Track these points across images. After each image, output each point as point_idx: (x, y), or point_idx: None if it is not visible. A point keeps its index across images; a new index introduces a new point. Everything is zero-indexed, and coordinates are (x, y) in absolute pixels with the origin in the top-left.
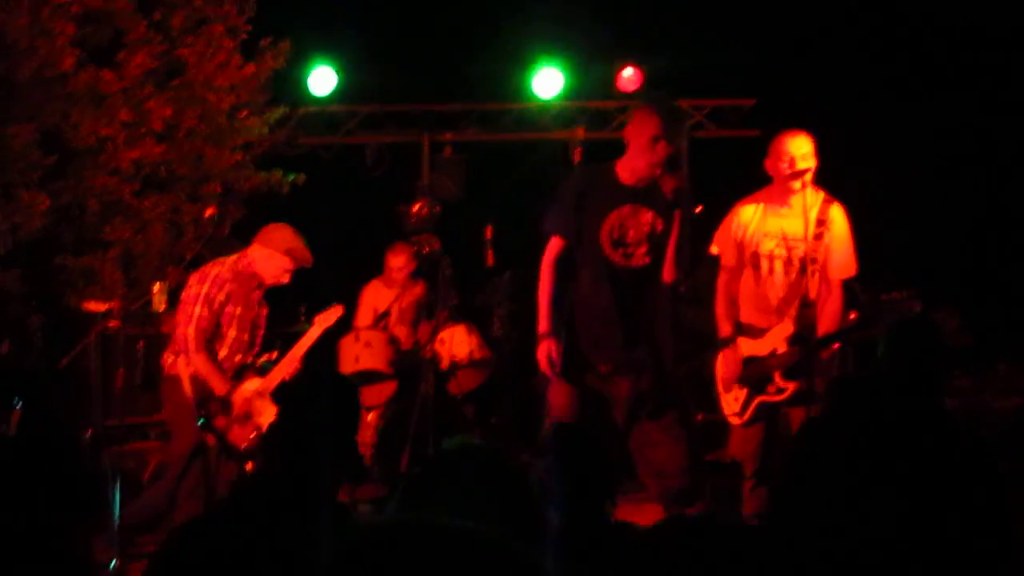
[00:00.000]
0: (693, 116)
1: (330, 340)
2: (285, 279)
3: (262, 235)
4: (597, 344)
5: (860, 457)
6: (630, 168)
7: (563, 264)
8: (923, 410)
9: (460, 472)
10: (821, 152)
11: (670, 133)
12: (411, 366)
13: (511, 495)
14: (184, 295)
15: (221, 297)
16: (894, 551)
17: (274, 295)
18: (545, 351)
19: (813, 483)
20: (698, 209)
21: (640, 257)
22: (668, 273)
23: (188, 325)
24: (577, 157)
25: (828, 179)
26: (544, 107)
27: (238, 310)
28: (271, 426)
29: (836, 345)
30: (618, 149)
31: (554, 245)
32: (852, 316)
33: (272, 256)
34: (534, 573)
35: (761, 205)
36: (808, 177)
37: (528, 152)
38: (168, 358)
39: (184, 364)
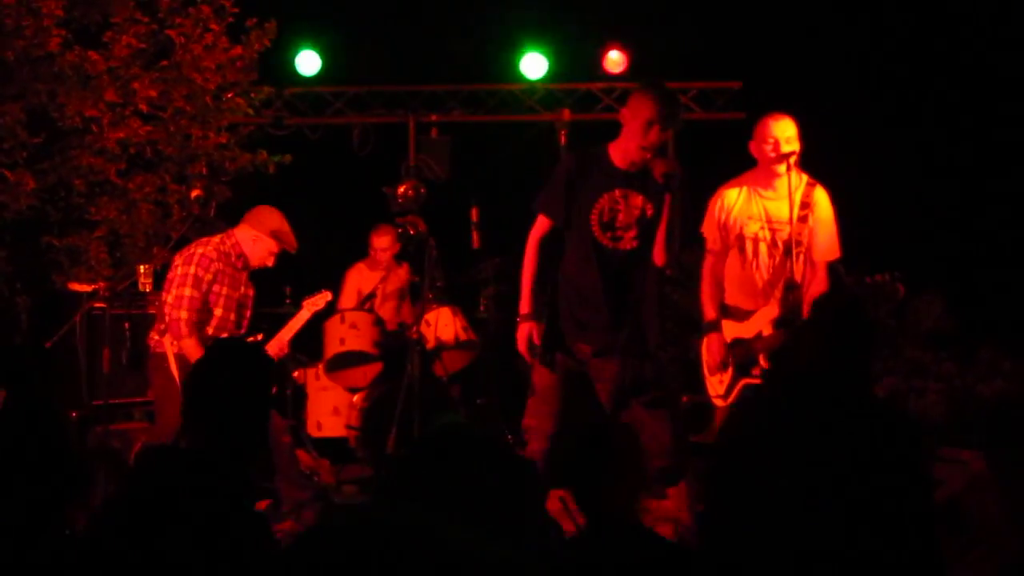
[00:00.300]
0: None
1: (315, 322)
2: (270, 262)
3: (250, 216)
4: (582, 326)
5: (780, 447)
6: (622, 151)
7: (547, 244)
8: (851, 399)
9: (448, 455)
10: (807, 135)
11: (665, 119)
12: (397, 348)
13: (501, 481)
14: (170, 275)
15: (208, 277)
16: (815, 546)
17: (259, 276)
18: (525, 333)
19: (733, 477)
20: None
21: (629, 240)
22: (658, 257)
23: (179, 308)
24: (563, 139)
25: (814, 162)
26: (530, 88)
27: (224, 290)
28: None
29: None
30: (604, 131)
31: (541, 224)
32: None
33: (259, 238)
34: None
35: (745, 188)
36: (792, 160)
37: (514, 134)
38: (154, 336)
39: (170, 342)
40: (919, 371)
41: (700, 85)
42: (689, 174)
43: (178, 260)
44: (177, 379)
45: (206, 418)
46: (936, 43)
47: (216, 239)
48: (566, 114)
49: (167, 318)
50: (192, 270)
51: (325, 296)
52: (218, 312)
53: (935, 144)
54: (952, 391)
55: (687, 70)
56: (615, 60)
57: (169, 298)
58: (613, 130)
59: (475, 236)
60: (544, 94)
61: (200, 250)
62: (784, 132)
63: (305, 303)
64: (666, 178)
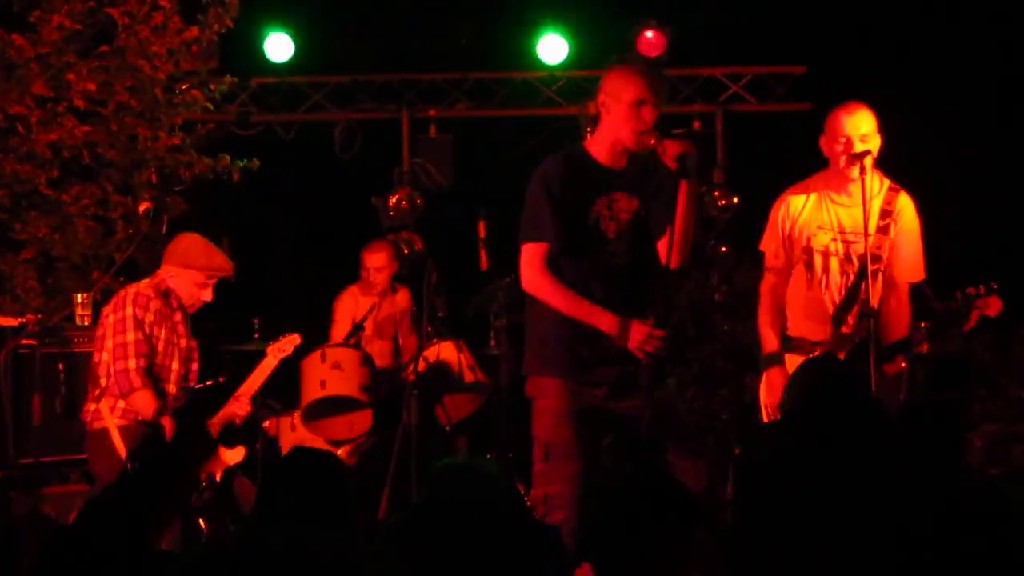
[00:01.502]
0: (729, 87)
1: (291, 359)
2: (207, 296)
3: (166, 251)
4: (586, 364)
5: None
6: (608, 145)
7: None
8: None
9: (455, 521)
10: (888, 130)
11: (656, 92)
12: (390, 391)
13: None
14: (99, 331)
15: (149, 318)
16: None
17: (222, 308)
18: (645, 333)
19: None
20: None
21: (626, 252)
22: (673, 257)
23: (123, 358)
24: (588, 137)
25: (898, 163)
26: (548, 77)
27: (164, 334)
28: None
29: (902, 360)
30: None
31: (534, 252)
32: (923, 326)
33: (179, 273)
34: None
35: (814, 194)
36: (868, 161)
37: (529, 131)
38: (89, 408)
39: (109, 412)
40: None
41: (755, 70)
42: (741, 177)
43: (107, 309)
44: (123, 455)
45: None
46: None
47: (146, 280)
48: (592, 107)
49: (108, 376)
50: (129, 311)
51: (292, 340)
52: (158, 360)
53: None
54: None
55: (738, 53)
56: (651, 42)
57: (105, 355)
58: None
59: (483, 255)
60: (565, 83)
61: (133, 289)
62: (859, 128)
63: (270, 349)
64: (681, 161)
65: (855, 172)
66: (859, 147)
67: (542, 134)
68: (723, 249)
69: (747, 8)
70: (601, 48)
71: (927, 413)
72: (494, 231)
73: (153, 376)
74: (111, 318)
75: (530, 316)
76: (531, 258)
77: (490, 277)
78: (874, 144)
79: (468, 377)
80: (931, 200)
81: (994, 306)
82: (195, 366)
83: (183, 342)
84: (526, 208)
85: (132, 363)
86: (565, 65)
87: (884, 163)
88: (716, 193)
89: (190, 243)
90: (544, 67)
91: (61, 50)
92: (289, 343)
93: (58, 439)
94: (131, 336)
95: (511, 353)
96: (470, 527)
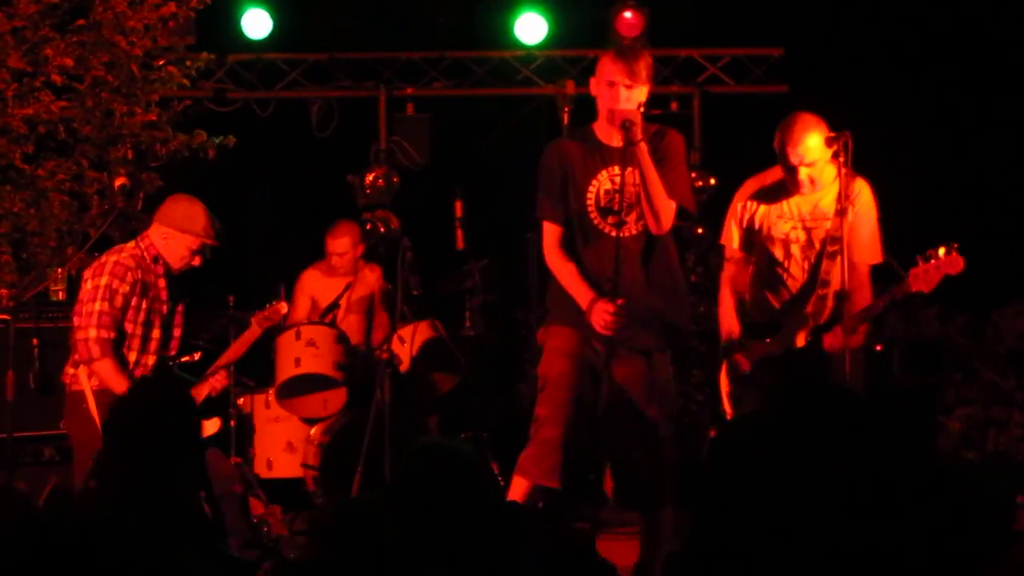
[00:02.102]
0: (707, 68)
1: (265, 337)
2: (195, 261)
3: (159, 211)
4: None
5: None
6: (605, 126)
7: (568, 245)
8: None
9: (427, 501)
10: (860, 112)
11: (629, 74)
12: (364, 370)
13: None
14: (80, 294)
15: (125, 289)
16: None
17: (197, 284)
18: (601, 311)
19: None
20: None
21: (634, 224)
22: (650, 222)
23: (87, 327)
24: (566, 117)
25: (872, 148)
26: (526, 56)
27: (145, 303)
28: None
29: (863, 332)
30: None
31: (550, 232)
32: (881, 304)
33: (170, 235)
34: None
35: (772, 184)
36: (811, 174)
37: (506, 110)
38: (68, 370)
39: (87, 377)
40: (1001, 399)
41: (733, 52)
42: (718, 160)
43: (87, 274)
44: (97, 421)
45: (120, 469)
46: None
47: (130, 245)
48: (570, 87)
49: (75, 342)
50: (104, 281)
51: (279, 309)
52: (139, 331)
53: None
54: None
55: (717, 34)
56: (629, 22)
57: (79, 320)
58: None
59: (459, 235)
60: (543, 63)
61: (113, 258)
62: (804, 157)
63: (255, 318)
64: (624, 128)
65: (804, 191)
66: (803, 174)
67: (520, 113)
68: (699, 231)
69: None
70: (579, 28)
71: (900, 398)
72: (471, 210)
73: (119, 351)
74: (89, 284)
75: (551, 277)
76: (544, 237)
77: (466, 257)
78: (821, 160)
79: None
80: (908, 183)
81: (955, 264)
82: (178, 332)
83: (165, 308)
84: (539, 188)
85: (92, 333)
86: (543, 45)
87: (859, 144)
88: (693, 175)
89: (188, 206)
90: (522, 46)
91: (37, 24)
92: (275, 312)
93: (32, 415)
94: (98, 306)
95: (486, 333)
96: (443, 507)
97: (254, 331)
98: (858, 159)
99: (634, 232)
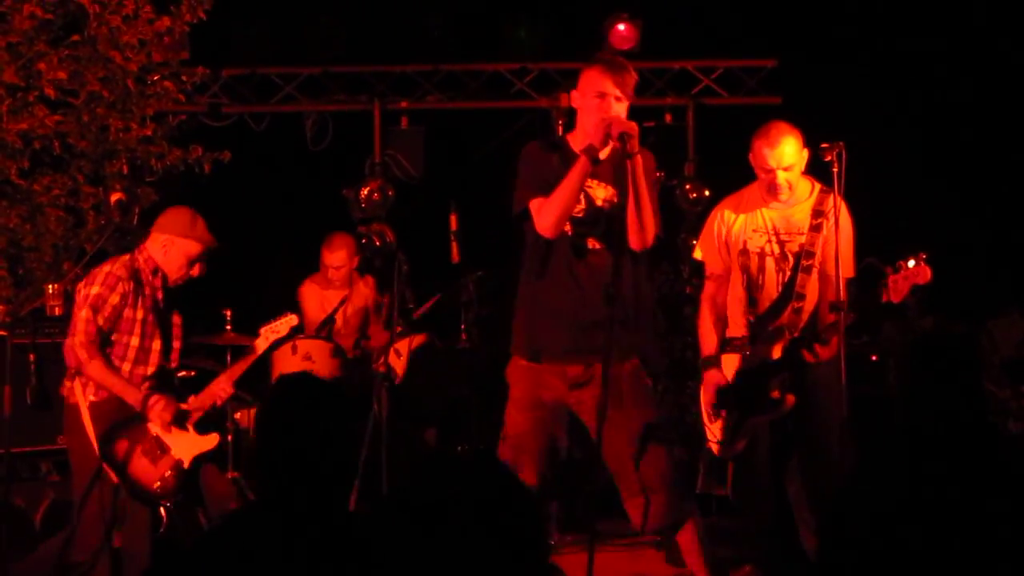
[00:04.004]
0: (700, 80)
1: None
2: (195, 271)
3: (158, 221)
4: (561, 347)
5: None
6: (582, 138)
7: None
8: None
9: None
10: (853, 122)
11: (618, 86)
12: (360, 383)
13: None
14: (74, 306)
15: (115, 299)
16: None
17: (192, 299)
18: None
19: None
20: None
21: (598, 238)
22: (633, 239)
23: (73, 335)
24: (560, 129)
25: (860, 152)
26: (520, 69)
27: (139, 313)
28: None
29: (832, 347)
30: None
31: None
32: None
33: (170, 242)
34: None
35: (747, 202)
36: (789, 179)
37: (501, 123)
38: (66, 384)
39: (82, 390)
40: (996, 408)
41: (726, 63)
42: (713, 169)
43: (80, 285)
44: (91, 434)
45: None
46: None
47: (126, 256)
48: (564, 99)
49: (65, 353)
50: (93, 290)
51: (289, 321)
52: (135, 342)
53: (1014, 140)
54: None
55: (711, 46)
56: (623, 34)
57: (69, 329)
58: None
59: (454, 247)
60: (538, 75)
61: (106, 268)
62: (781, 161)
63: (263, 331)
64: (622, 140)
65: (783, 196)
66: (781, 179)
67: (514, 126)
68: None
69: (718, 1)
70: (572, 42)
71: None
72: (466, 223)
73: (104, 352)
74: (81, 293)
75: (519, 297)
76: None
77: (461, 269)
78: (798, 167)
79: None
80: (901, 193)
81: (923, 274)
82: (177, 343)
83: (162, 316)
84: (518, 181)
85: (79, 339)
86: (536, 57)
87: (852, 152)
88: (687, 186)
89: (186, 214)
90: (516, 59)
91: (32, 39)
92: (284, 324)
93: (29, 430)
94: (84, 313)
95: (482, 347)
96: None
97: (261, 344)
98: (851, 170)
99: (601, 246)
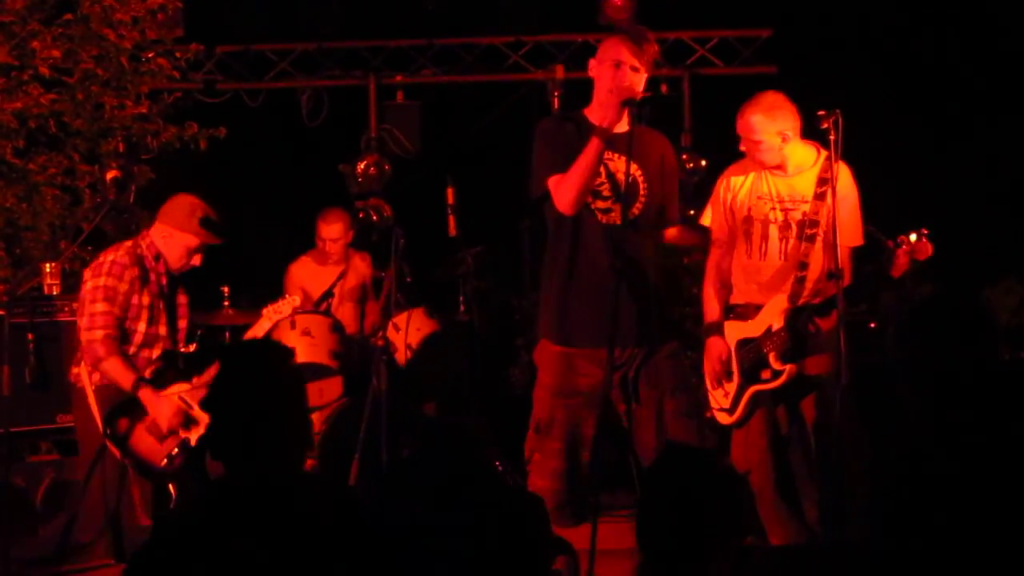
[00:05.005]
0: (696, 50)
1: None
2: (196, 261)
3: (161, 210)
4: (595, 330)
5: None
6: (599, 111)
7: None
8: None
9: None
10: (849, 93)
11: (636, 56)
12: (359, 358)
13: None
14: (81, 293)
15: (124, 287)
16: None
17: (190, 276)
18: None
19: None
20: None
21: (618, 214)
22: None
23: (92, 328)
24: (556, 102)
25: (862, 128)
26: (515, 42)
27: (146, 299)
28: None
29: (832, 317)
30: None
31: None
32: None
33: (170, 235)
34: None
35: (752, 171)
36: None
37: (497, 96)
38: (73, 369)
39: (87, 374)
40: None
41: (722, 33)
42: (707, 141)
43: (87, 274)
44: (97, 416)
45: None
46: None
47: (130, 242)
48: (559, 71)
49: (81, 343)
50: (103, 281)
51: (291, 303)
52: (142, 327)
53: (1011, 109)
54: None
55: (706, 16)
56: (617, 5)
57: (82, 321)
58: None
59: (451, 222)
60: (533, 48)
61: (111, 257)
62: (745, 130)
63: (265, 311)
64: (626, 107)
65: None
66: (767, 157)
67: (510, 99)
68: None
69: None
70: (567, 13)
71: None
72: (462, 197)
73: (121, 348)
74: (89, 284)
75: (545, 283)
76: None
77: (458, 243)
78: (768, 139)
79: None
80: (897, 163)
81: (923, 251)
82: (183, 323)
83: (168, 300)
84: (535, 161)
85: (98, 334)
86: (531, 30)
87: (850, 123)
88: (684, 156)
89: (188, 206)
90: (511, 32)
91: (25, 18)
92: (287, 305)
93: (28, 409)
94: (100, 307)
95: (481, 319)
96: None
97: (263, 324)
98: (847, 139)
99: (620, 221)
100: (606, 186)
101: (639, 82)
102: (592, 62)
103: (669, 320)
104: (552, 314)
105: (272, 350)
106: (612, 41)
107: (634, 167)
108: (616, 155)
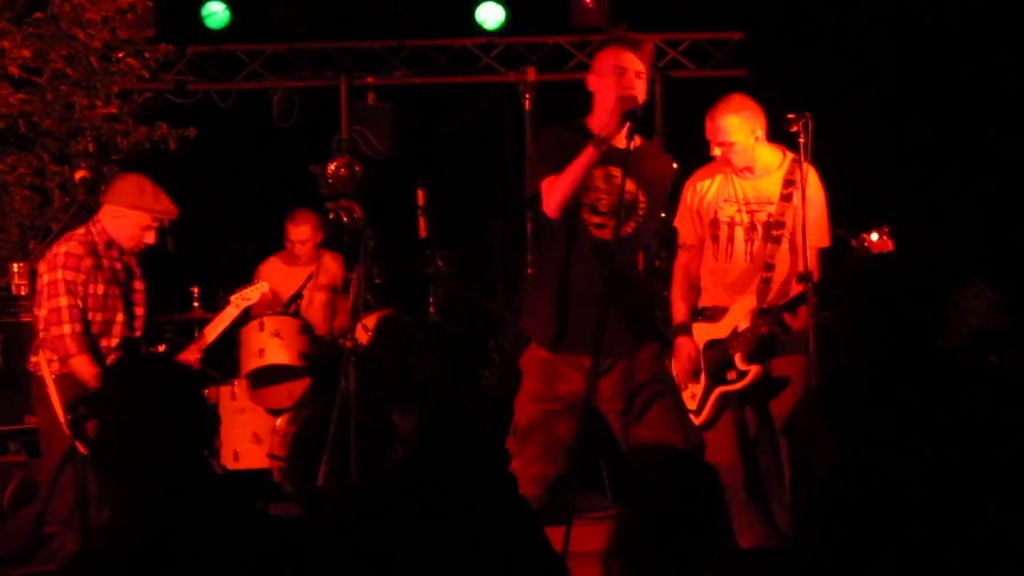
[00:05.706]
0: (667, 53)
1: (229, 330)
2: (149, 238)
3: (109, 192)
4: (581, 337)
5: None
6: (600, 123)
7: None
8: None
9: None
10: (820, 94)
11: (636, 62)
12: (328, 359)
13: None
14: (37, 286)
15: (81, 278)
16: None
17: (159, 276)
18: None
19: None
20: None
21: (612, 229)
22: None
23: (58, 323)
24: (528, 104)
25: (829, 127)
26: (487, 43)
27: (101, 288)
28: None
29: (801, 318)
30: (576, 93)
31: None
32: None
33: (121, 214)
34: None
35: (719, 174)
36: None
37: (468, 98)
38: (32, 360)
39: (46, 362)
40: None
41: (693, 36)
42: (678, 144)
43: (42, 267)
44: (59, 407)
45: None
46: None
47: (80, 231)
48: (531, 73)
49: (44, 337)
50: (60, 275)
51: (259, 288)
52: (99, 316)
53: (978, 114)
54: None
55: (677, 18)
56: (589, 7)
57: (42, 313)
58: (587, 92)
59: (422, 223)
60: (504, 50)
61: (63, 248)
62: (717, 133)
63: (233, 298)
64: (620, 105)
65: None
66: (738, 161)
67: (481, 101)
68: (662, 215)
69: None
70: (538, 15)
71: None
72: (433, 199)
73: (91, 339)
74: (45, 278)
75: (529, 289)
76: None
77: (429, 245)
78: (742, 141)
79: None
80: (868, 165)
81: (885, 247)
82: (140, 311)
83: (123, 287)
84: (537, 162)
85: (67, 328)
86: (502, 31)
87: (820, 126)
88: None
89: (136, 184)
90: (482, 33)
91: None
92: (255, 291)
93: None
94: (63, 301)
95: (452, 321)
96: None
97: (231, 311)
98: (818, 141)
99: (615, 236)
100: (604, 201)
101: (642, 89)
102: (591, 77)
103: (655, 330)
104: (539, 319)
105: (165, 371)
106: (609, 51)
107: (638, 187)
108: (620, 171)
